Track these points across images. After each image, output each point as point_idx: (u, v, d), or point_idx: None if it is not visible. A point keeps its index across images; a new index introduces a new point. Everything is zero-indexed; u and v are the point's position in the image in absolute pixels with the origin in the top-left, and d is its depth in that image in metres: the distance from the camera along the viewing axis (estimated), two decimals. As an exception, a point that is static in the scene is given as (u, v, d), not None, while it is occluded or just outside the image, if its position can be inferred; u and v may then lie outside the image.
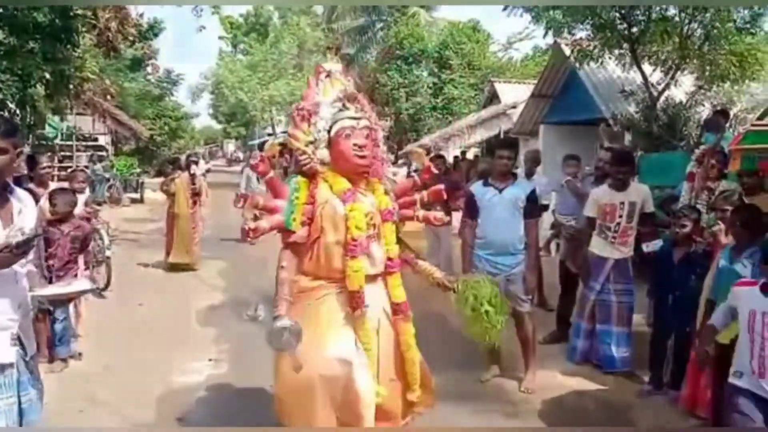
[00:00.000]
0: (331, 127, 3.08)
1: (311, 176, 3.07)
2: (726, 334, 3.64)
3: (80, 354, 5.21)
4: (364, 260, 3.00)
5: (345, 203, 3.00)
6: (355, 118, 3.05)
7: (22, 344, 2.48)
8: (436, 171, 3.43)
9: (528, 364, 4.80)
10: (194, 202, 9.03)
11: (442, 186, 3.47)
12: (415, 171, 8.35)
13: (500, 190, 4.63)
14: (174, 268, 8.91)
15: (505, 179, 4.68)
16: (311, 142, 3.11)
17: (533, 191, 4.77)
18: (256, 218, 3.18)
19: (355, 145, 2.99)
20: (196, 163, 10.03)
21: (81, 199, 6.07)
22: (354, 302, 2.98)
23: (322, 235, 3.01)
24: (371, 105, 3.27)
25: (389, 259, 3.12)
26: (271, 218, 3.06)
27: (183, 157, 11.23)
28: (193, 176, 9.05)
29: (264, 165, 3.12)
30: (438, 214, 3.61)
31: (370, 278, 3.06)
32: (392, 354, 3.13)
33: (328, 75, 3.28)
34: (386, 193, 3.19)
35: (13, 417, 2.40)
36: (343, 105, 3.12)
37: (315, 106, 3.16)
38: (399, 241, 3.23)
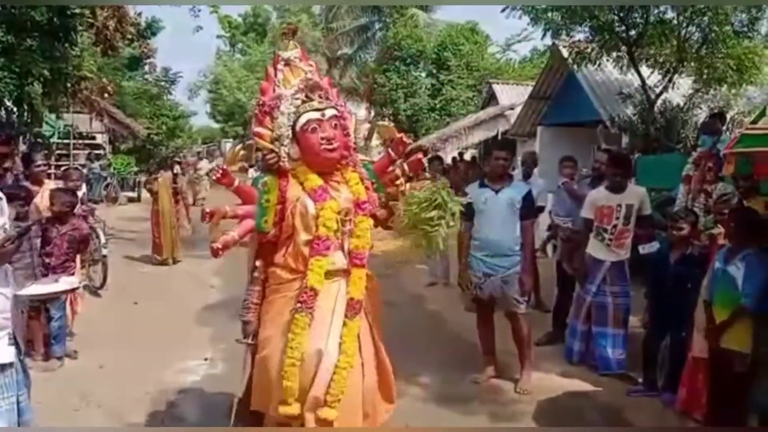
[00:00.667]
0: (295, 122, 2.94)
1: (281, 174, 2.99)
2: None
3: (75, 352, 5.21)
4: (333, 257, 2.95)
5: (316, 202, 2.92)
6: (319, 110, 2.91)
7: (17, 343, 2.48)
8: (408, 141, 3.16)
9: (524, 365, 4.80)
10: (176, 201, 9.89)
11: (420, 155, 3.41)
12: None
13: (496, 191, 4.63)
14: (163, 263, 9.36)
15: (501, 180, 4.68)
16: (276, 139, 3.00)
17: (529, 193, 4.77)
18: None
19: (323, 138, 2.87)
20: (179, 163, 11.69)
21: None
22: (305, 300, 2.87)
23: (295, 233, 2.96)
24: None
25: (357, 252, 2.99)
26: (241, 225, 3.03)
27: (179, 157, 12.05)
28: (175, 175, 10.14)
29: (227, 177, 3.02)
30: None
31: (344, 272, 3.01)
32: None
33: (287, 63, 3.11)
34: (362, 180, 3.05)
35: (14, 417, 2.40)
36: (306, 96, 2.95)
37: (276, 100, 3.02)
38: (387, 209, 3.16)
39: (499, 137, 15.77)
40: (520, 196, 4.64)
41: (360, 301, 2.96)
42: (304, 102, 2.95)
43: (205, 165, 19.99)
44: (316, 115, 2.90)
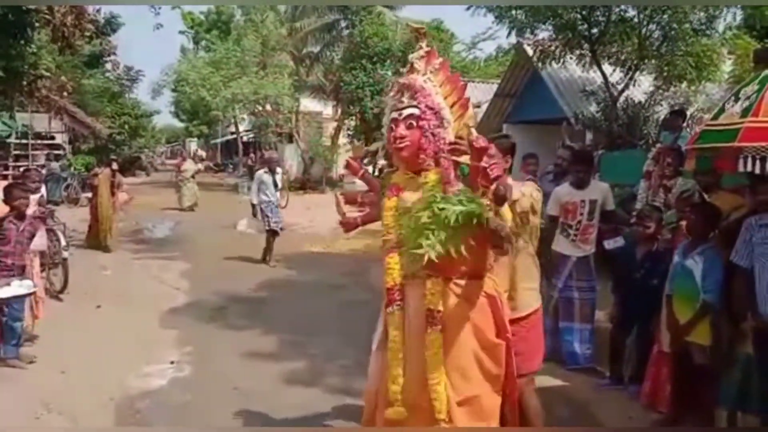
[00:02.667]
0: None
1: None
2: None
3: (35, 357, 5.05)
4: (400, 258, 2.80)
5: (388, 198, 2.93)
6: (399, 109, 2.86)
7: None
8: (481, 144, 2.66)
9: None
10: (113, 193, 11.11)
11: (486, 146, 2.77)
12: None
13: None
14: (93, 246, 10.56)
15: None
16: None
17: None
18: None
19: (394, 137, 2.84)
20: (116, 161, 13.59)
21: (34, 198, 5.91)
22: (387, 298, 2.85)
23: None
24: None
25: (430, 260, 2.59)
26: (366, 213, 3.34)
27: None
28: (114, 171, 11.43)
29: (353, 166, 3.45)
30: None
31: (414, 276, 2.80)
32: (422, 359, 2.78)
33: (411, 66, 3.03)
34: (446, 182, 2.78)
35: None
36: (400, 95, 2.91)
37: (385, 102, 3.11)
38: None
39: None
40: None
41: (437, 311, 2.72)
42: (394, 101, 2.94)
43: (190, 166, 18.30)
44: (395, 114, 2.88)
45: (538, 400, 3.42)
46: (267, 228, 9.66)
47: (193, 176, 17.72)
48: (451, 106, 2.88)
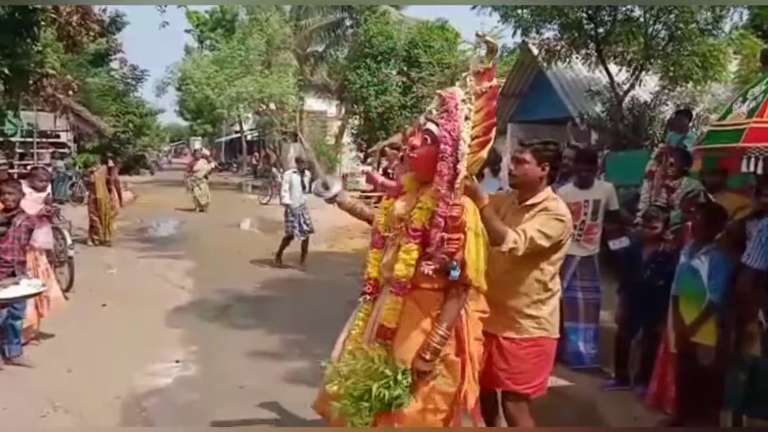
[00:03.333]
0: None
1: None
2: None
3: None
4: (383, 255, 2.87)
5: (386, 197, 2.98)
6: (426, 118, 2.79)
7: None
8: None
9: None
10: (109, 189, 11.32)
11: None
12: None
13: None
14: (95, 242, 10.92)
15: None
16: None
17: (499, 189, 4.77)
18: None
19: (410, 144, 2.81)
20: (113, 158, 13.72)
21: (41, 197, 5.93)
22: (362, 289, 2.95)
23: None
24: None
25: (394, 277, 2.72)
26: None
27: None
28: (110, 169, 11.61)
29: (375, 175, 3.32)
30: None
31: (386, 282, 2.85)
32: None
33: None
34: (433, 207, 2.70)
35: None
36: (435, 104, 2.83)
37: None
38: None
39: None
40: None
41: (387, 329, 2.73)
42: (430, 109, 2.85)
43: (203, 166, 17.50)
44: (422, 120, 2.82)
45: (532, 424, 3.28)
46: (297, 231, 9.40)
47: (206, 176, 17.31)
48: (473, 139, 2.70)
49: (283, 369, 5.04)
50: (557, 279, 3.22)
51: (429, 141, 2.70)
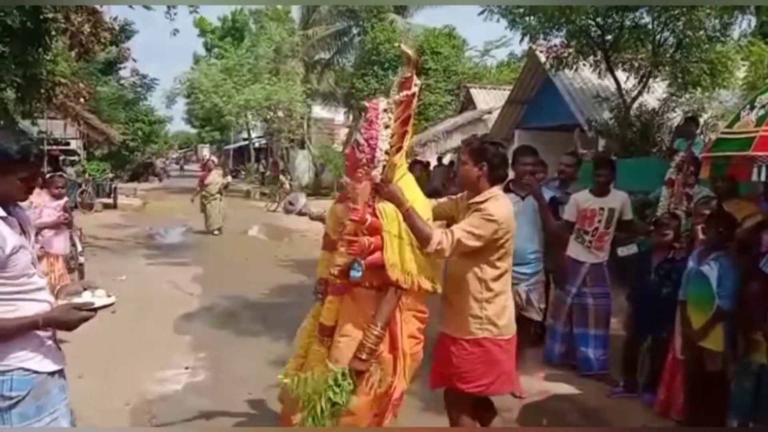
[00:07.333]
0: None
1: None
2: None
3: None
4: (329, 257, 3.12)
5: (335, 202, 3.30)
6: (358, 128, 3.04)
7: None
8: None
9: (517, 369, 4.79)
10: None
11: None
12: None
13: (523, 198, 4.56)
14: None
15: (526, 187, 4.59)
16: None
17: (552, 196, 4.80)
18: None
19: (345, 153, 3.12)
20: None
21: (60, 204, 5.99)
22: (315, 288, 3.31)
23: None
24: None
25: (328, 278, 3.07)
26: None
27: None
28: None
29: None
30: None
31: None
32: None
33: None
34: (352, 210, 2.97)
35: (69, 417, 2.49)
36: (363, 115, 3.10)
37: None
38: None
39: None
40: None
41: (325, 327, 3.00)
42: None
43: (216, 179, 14.06)
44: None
45: (469, 422, 3.37)
46: None
47: (220, 192, 13.92)
48: (392, 147, 2.87)
49: (291, 375, 5.04)
50: (504, 280, 3.19)
51: (356, 149, 2.88)
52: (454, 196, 3.44)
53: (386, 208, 2.80)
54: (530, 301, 4.53)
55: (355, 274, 2.74)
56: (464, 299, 3.13)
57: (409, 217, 2.78)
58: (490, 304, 3.12)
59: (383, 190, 2.78)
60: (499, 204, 3.08)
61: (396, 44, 22.82)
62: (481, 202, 3.06)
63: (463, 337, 3.15)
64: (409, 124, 2.92)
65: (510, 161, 3.99)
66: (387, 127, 2.83)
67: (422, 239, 2.81)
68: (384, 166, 2.80)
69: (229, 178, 17.92)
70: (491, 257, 3.08)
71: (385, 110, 2.86)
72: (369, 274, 2.81)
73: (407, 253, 2.80)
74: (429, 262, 2.88)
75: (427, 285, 2.85)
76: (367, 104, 2.94)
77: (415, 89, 2.92)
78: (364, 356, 2.77)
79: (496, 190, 3.15)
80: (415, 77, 2.96)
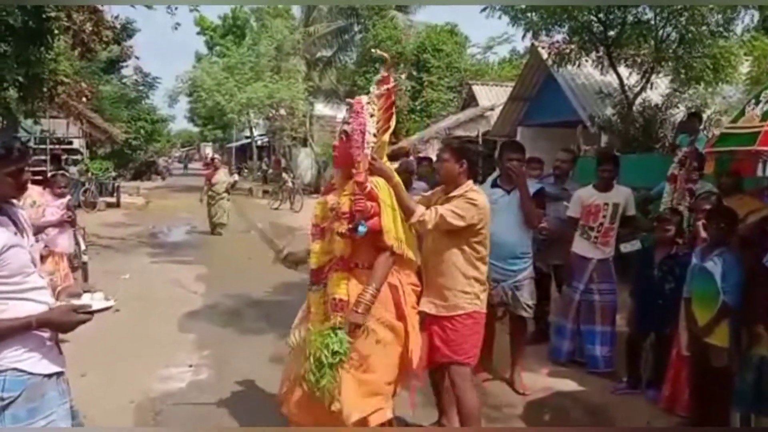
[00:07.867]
0: None
1: None
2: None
3: None
4: (322, 244, 3.34)
5: (322, 194, 3.55)
6: (342, 122, 3.38)
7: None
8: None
9: (518, 365, 4.81)
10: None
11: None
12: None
13: (509, 192, 4.50)
14: None
15: (512, 182, 4.51)
16: None
17: (540, 189, 4.74)
18: None
19: (333, 147, 3.40)
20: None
21: (62, 203, 6.00)
22: (310, 279, 3.41)
23: None
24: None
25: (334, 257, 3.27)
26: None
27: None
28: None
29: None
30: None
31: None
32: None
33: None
34: (354, 194, 3.21)
35: (70, 420, 2.43)
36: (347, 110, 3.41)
37: None
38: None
39: (480, 138, 15.85)
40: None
41: (340, 300, 3.18)
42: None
43: (223, 177, 13.86)
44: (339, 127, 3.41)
45: (476, 397, 3.62)
46: None
47: (227, 191, 13.75)
48: (378, 130, 3.25)
49: (295, 373, 5.04)
50: (485, 262, 3.56)
51: (345, 139, 3.24)
52: (426, 194, 3.84)
53: (379, 181, 3.18)
54: (516, 297, 4.51)
55: (362, 229, 3.03)
56: (454, 277, 3.47)
57: (396, 189, 3.20)
58: (477, 281, 3.50)
59: (374, 166, 3.16)
60: (478, 194, 3.46)
61: (399, 42, 22.87)
62: (462, 194, 3.43)
63: (456, 313, 3.48)
64: (392, 109, 3.32)
65: (497, 156, 4.29)
66: (372, 116, 3.22)
67: (407, 210, 3.22)
68: (372, 147, 3.18)
69: (236, 177, 17.92)
70: (472, 239, 3.45)
71: (368, 103, 3.25)
72: (365, 252, 3.17)
73: (399, 223, 3.17)
74: (411, 237, 3.29)
75: (411, 255, 3.25)
76: (351, 101, 3.34)
77: (392, 83, 3.36)
78: (360, 309, 3.08)
79: (472, 183, 3.52)
80: (391, 76, 3.44)
